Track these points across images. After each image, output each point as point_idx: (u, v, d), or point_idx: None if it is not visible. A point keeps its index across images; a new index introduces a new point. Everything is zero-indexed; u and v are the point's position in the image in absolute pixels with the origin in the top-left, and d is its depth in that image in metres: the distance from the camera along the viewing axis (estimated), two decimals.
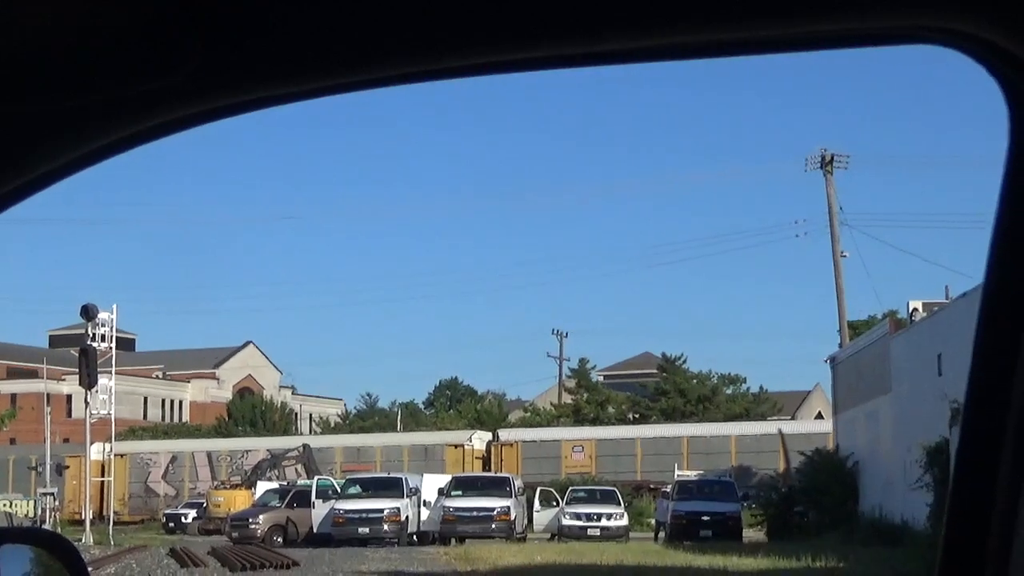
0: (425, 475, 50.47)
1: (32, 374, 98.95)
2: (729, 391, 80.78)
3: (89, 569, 2.85)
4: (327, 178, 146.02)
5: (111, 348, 52.42)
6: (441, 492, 47.11)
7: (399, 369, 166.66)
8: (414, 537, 46.55)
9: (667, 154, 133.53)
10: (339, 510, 45.67)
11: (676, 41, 1.55)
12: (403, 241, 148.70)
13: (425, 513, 47.38)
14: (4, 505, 57.60)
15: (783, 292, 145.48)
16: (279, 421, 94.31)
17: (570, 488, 52.14)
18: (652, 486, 58.70)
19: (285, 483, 54.40)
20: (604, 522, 47.63)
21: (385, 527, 45.02)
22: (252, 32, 1.53)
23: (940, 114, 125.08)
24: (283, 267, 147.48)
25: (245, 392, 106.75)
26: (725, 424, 67.06)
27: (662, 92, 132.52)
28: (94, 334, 50.47)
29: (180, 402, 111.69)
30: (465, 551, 38.48)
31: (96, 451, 59.12)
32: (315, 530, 46.82)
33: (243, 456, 68.60)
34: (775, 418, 72.83)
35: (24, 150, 1.62)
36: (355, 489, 47.22)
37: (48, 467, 64.22)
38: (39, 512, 58.47)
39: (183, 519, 58.82)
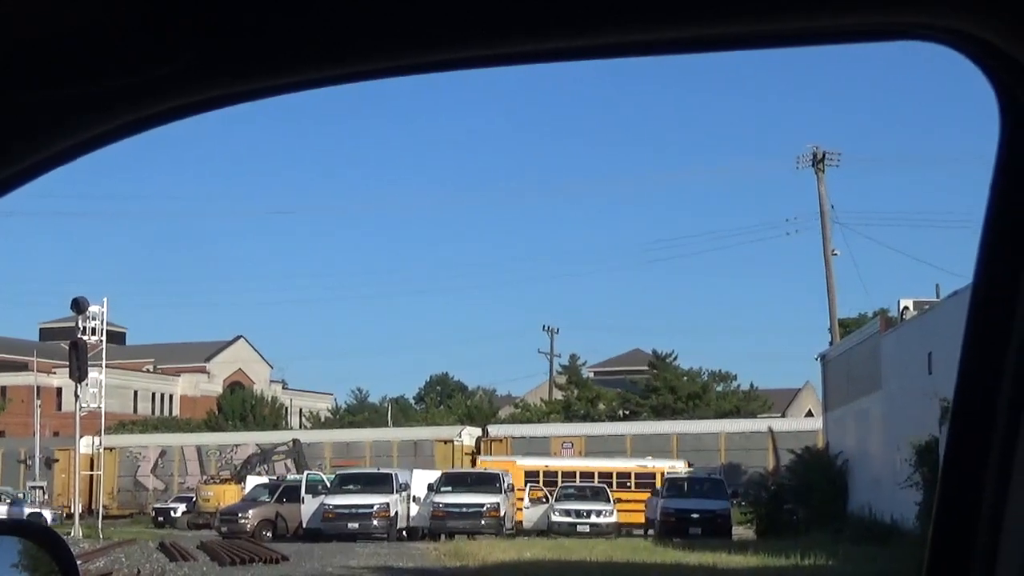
0: (415, 471, 50.45)
1: (22, 367, 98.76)
2: (719, 388, 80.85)
3: (78, 563, 2.84)
4: (319, 173, 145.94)
5: (101, 341, 52.44)
6: (431, 488, 47.12)
7: (390, 364, 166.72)
8: (404, 533, 46.57)
9: (659, 151, 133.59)
10: (329, 505, 45.63)
11: (672, 36, 1.55)
12: (394, 236, 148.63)
13: (415, 509, 47.39)
14: None
15: (774, 290, 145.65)
16: (269, 416, 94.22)
17: (560, 485, 52.20)
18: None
19: (275, 478, 54.36)
20: (593, 519, 47.69)
21: (375, 522, 45.00)
22: (248, 22, 1.53)
23: (932, 113, 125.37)
24: (274, 261, 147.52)
25: (235, 386, 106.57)
26: (715, 421, 67.14)
27: (654, 89, 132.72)
28: (85, 327, 50.50)
29: (170, 396, 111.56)
30: (455, 547, 38.49)
31: (85, 444, 59.09)
32: (305, 525, 46.77)
33: (233, 450, 68.59)
34: (765, 416, 72.89)
35: (16, 139, 1.62)
36: (345, 484, 47.20)
37: (37, 460, 64.20)
38: None
39: (172, 513, 58.70)
